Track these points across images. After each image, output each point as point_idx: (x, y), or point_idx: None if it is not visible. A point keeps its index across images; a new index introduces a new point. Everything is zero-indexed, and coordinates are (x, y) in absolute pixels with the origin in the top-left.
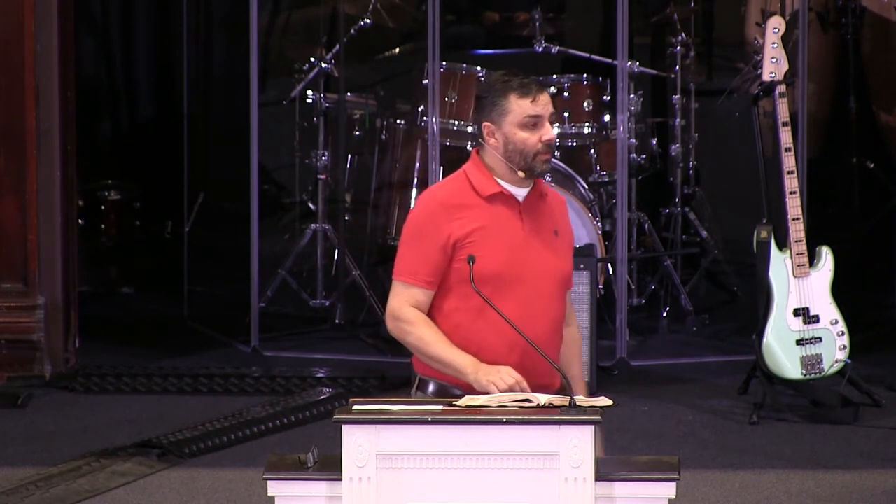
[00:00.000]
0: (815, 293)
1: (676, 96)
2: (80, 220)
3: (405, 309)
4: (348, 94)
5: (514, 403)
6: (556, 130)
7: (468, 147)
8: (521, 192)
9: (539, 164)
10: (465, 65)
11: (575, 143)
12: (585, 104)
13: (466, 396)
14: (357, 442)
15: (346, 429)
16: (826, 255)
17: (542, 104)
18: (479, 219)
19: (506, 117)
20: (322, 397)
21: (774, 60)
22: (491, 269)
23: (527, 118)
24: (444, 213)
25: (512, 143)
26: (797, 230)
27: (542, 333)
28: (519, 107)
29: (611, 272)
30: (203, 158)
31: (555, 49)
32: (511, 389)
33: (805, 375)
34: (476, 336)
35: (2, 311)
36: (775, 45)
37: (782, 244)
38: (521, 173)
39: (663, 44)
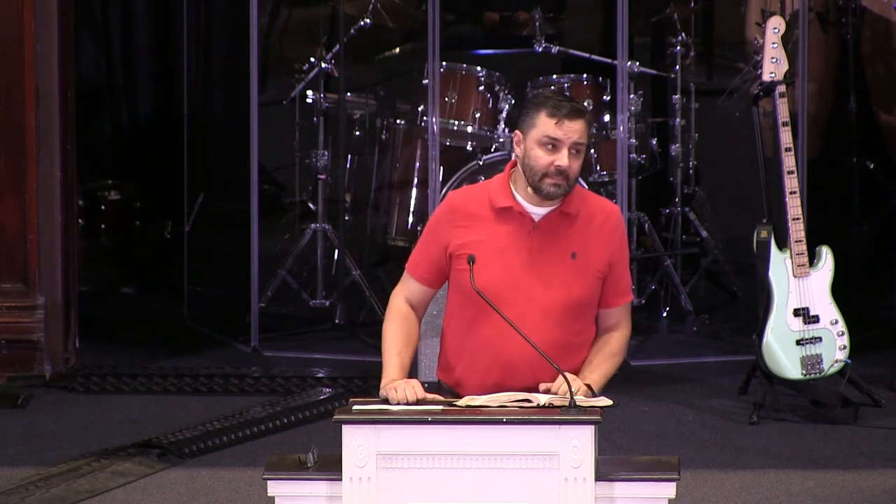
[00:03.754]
0: (815, 293)
1: (676, 96)
2: (80, 220)
3: (396, 298)
4: (348, 94)
5: (514, 403)
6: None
7: (468, 147)
8: (538, 211)
9: (546, 185)
10: (465, 65)
11: None
12: (585, 104)
13: (466, 396)
14: (357, 442)
15: (346, 429)
16: (826, 255)
17: (566, 130)
18: (480, 232)
19: (531, 130)
20: (322, 397)
21: (774, 60)
22: (477, 285)
23: (546, 138)
24: (450, 218)
25: (528, 157)
26: (797, 230)
27: (523, 357)
28: (543, 124)
29: None
30: (203, 158)
31: (555, 49)
32: (408, 402)
33: (805, 375)
34: (464, 349)
35: (2, 311)
36: (775, 45)
37: (782, 244)
38: (529, 189)
39: (663, 44)
